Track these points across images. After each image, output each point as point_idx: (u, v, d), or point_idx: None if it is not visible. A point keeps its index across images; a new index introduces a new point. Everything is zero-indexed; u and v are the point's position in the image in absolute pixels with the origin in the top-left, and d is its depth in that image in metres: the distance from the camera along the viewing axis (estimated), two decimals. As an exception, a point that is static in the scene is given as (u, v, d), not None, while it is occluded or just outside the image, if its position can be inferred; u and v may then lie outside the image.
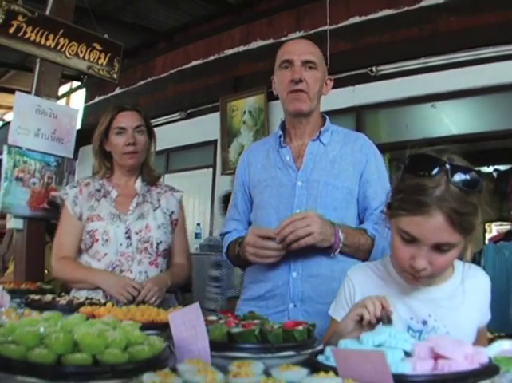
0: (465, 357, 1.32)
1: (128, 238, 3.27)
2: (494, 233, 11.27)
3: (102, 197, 3.38)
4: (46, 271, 5.10)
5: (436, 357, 1.32)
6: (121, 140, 3.34)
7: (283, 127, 3.00)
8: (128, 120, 3.37)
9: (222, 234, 3.11)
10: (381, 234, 2.72)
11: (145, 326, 1.49)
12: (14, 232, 5.08)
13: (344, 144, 2.89)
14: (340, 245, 2.56)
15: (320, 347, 1.54)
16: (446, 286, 2.02)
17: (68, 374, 1.16)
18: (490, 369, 1.33)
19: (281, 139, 2.95)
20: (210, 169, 9.00)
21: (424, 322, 1.95)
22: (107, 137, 3.40)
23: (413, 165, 1.89)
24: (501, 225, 11.60)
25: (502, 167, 10.65)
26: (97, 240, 3.25)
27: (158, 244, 3.34)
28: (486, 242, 10.15)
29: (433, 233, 1.77)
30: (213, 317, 1.81)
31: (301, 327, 1.61)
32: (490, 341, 2.29)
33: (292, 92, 2.78)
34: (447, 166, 1.77)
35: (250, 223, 3.01)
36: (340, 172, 2.79)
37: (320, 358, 1.41)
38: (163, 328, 1.73)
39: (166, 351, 1.35)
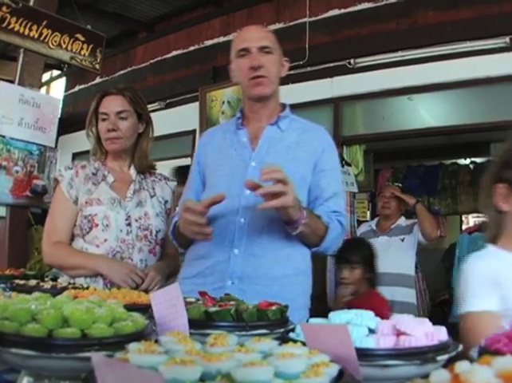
0: (425, 334, 1.41)
1: (129, 225, 3.24)
2: (471, 224, 11.40)
3: (101, 181, 3.32)
4: (36, 253, 5.16)
5: (398, 333, 1.41)
6: (104, 126, 3.30)
7: (242, 111, 3.05)
8: (110, 105, 3.33)
9: (173, 216, 3.11)
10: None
11: (127, 308, 1.54)
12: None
13: (303, 132, 2.95)
14: (303, 221, 2.53)
15: (292, 326, 1.63)
16: None
17: (59, 346, 1.24)
18: (449, 345, 1.43)
19: (240, 121, 3.01)
20: (189, 158, 9.00)
21: None
22: (96, 121, 3.36)
23: None
24: (477, 217, 11.73)
25: (478, 160, 10.77)
26: (97, 225, 3.19)
27: (157, 232, 3.34)
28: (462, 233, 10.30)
29: None
30: (191, 299, 1.90)
31: (274, 307, 1.70)
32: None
33: (253, 78, 2.84)
34: None
35: None
36: (294, 159, 2.83)
37: (292, 335, 1.50)
38: (144, 310, 1.76)
39: (149, 327, 1.44)
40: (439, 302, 8.82)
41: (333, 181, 2.90)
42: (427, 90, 6.78)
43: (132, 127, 3.38)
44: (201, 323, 1.56)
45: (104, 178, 3.35)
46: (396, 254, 6.07)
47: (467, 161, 10.99)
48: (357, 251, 5.09)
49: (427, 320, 1.49)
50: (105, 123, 3.31)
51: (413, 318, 1.51)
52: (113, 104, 3.33)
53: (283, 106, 3.06)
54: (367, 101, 7.31)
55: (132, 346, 1.10)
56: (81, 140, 8.93)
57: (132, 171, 3.45)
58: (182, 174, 3.65)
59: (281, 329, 1.61)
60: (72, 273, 3.16)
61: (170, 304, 1.47)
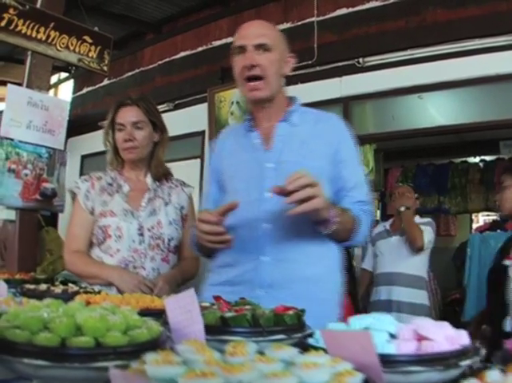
0: (446, 339, 1.38)
1: (141, 235, 3.31)
2: (481, 223, 11.37)
3: (115, 192, 3.40)
4: (48, 255, 5.19)
5: (419, 338, 1.38)
6: (120, 136, 3.38)
7: (251, 112, 2.96)
8: (126, 115, 3.40)
9: (193, 227, 2.91)
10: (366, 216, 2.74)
11: (140, 313, 1.52)
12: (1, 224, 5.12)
13: (316, 123, 2.84)
14: (335, 219, 2.44)
15: (310, 331, 1.60)
16: None
17: (72, 356, 1.21)
18: (471, 350, 1.39)
19: (249, 123, 2.91)
20: (198, 160, 8.95)
21: None
22: (113, 131, 3.44)
23: None
24: (487, 215, 11.71)
25: (488, 158, 10.74)
26: (110, 236, 3.29)
27: (169, 241, 3.38)
28: (473, 232, 10.27)
29: None
30: (206, 304, 1.87)
31: (291, 312, 1.67)
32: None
33: (247, 79, 2.73)
34: None
35: None
36: (310, 152, 2.73)
37: (311, 341, 1.47)
38: (157, 315, 1.75)
39: (164, 334, 1.41)
40: (449, 301, 8.78)
41: (355, 170, 2.82)
42: (436, 88, 6.75)
43: (148, 136, 3.46)
44: (217, 329, 1.53)
45: (120, 188, 3.44)
46: (408, 254, 6.01)
47: (477, 159, 10.95)
48: None
49: (447, 323, 1.46)
50: (122, 133, 3.40)
51: (433, 322, 1.47)
52: (129, 115, 3.41)
53: (291, 99, 2.95)
54: (376, 100, 7.28)
55: (149, 357, 1.07)
56: (90, 142, 9.02)
57: (148, 180, 3.51)
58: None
59: (299, 335, 1.58)
60: (90, 281, 3.22)
61: (185, 310, 1.45)
